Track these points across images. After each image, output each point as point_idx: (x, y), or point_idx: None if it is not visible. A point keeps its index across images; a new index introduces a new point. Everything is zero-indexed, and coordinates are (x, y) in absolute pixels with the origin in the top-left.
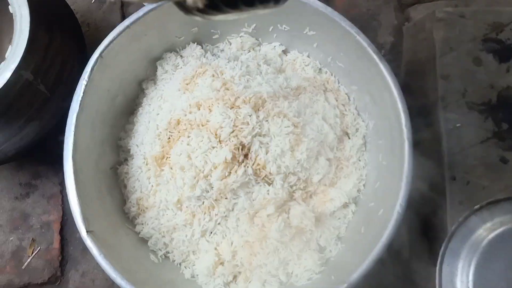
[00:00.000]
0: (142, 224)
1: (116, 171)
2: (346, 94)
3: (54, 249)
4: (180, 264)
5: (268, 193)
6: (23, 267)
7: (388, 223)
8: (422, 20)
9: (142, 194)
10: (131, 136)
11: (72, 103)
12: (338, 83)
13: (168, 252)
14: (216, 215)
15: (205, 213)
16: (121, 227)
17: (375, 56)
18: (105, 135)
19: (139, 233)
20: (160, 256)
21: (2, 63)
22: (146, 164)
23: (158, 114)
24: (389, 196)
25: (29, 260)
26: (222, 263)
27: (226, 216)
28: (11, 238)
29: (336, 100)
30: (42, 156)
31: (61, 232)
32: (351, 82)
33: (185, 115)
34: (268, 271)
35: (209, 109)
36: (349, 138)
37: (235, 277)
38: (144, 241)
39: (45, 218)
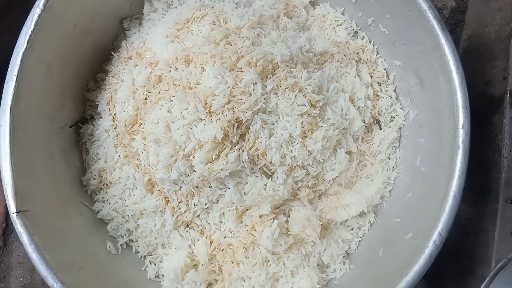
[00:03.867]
0: (103, 202)
1: (78, 131)
2: (385, 69)
3: None
4: (144, 257)
5: (265, 188)
6: None
7: (419, 255)
8: None
9: (106, 165)
10: (102, 89)
11: (19, 38)
12: (377, 54)
13: (132, 241)
14: (195, 205)
15: (181, 201)
16: (73, 203)
17: (435, 25)
18: (66, 84)
19: (98, 212)
20: (121, 245)
21: None
22: (115, 128)
23: (137, 64)
24: (425, 216)
25: None
26: (195, 266)
27: (207, 208)
28: None
29: (371, 77)
30: None
31: None
32: (394, 55)
33: (170, 71)
34: (251, 287)
35: (202, 67)
36: (380, 128)
37: (209, 285)
38: (103, 224)
39: None
